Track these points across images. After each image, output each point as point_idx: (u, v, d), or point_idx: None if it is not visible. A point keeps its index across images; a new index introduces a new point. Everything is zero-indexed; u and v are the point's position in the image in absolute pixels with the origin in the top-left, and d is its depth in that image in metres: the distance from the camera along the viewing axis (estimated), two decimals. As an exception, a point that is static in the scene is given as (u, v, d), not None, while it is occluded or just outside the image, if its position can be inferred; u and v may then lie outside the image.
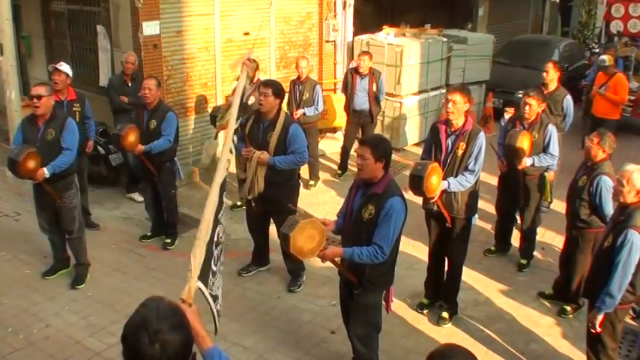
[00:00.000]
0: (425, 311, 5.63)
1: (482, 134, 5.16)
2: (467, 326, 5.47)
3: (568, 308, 5.66)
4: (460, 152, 5.11)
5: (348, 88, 8.69)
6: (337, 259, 4.22)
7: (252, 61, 3.20)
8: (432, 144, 5.34)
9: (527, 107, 6.14)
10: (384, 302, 4.42)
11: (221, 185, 3.00)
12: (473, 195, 5.30)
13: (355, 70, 8.64)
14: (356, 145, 9.40)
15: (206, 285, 2.75)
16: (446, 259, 5.56)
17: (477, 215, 5.58)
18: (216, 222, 2.93)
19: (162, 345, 1.90)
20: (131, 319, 1.97)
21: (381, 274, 4.21)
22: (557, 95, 7.35)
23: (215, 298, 2.95)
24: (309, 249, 3.91)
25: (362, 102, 8.59)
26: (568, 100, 7.41)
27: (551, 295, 5.89)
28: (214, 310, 2.90)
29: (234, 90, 3.37)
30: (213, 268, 2.92)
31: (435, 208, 5.25)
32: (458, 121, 5.13)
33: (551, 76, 7.43)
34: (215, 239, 2.94)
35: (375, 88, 8.54)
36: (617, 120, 9.24)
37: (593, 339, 4.47)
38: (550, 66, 7.47)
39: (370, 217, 4.03)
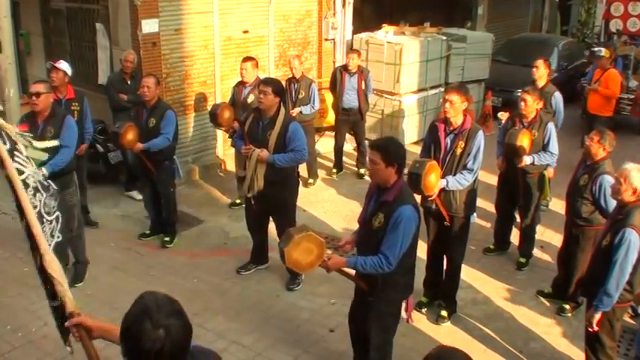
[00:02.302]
0: (424, 310, 5.62)
1: (480, 133, 5.16)
2: (465, 325, 5.47)
3: (567, 307, 5.67)
4: (459, 151, 5.10)
5: (337, 87, 8.69)
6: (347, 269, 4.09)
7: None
8: (430, 143, 5.32)
9: (522, 103, 6.15)
10: (404, 312, 4.28)
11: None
12: (471, 194, 5.30)
13: (344, 68, 8.66)
14: (348, 144, 9.45)
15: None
16: (444, 257, 5.56)
17: (475, 214, 5.58)
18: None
19: (166, 329, 1.92)
20: (131, 310, 1.99)
21: (395, 284, 4.01)
22: (545, 92, 7.31)
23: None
24: (307, 262, 3.87)
25: (351, 100, 8.60)
26: (556, 97, 7.39)
27: (550, 294, 5.89)
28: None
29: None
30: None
31: (434, 206, 5.25)
32: (456, 119, 5.12)
33: (541, 72, 7.42)
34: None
35: (363, 86, 8.56)
36: (611, 117, 9.24)
37: (592, 338, 4.47)
38: (540, 62, 7.45)
39: (380, 225, 3.88)
